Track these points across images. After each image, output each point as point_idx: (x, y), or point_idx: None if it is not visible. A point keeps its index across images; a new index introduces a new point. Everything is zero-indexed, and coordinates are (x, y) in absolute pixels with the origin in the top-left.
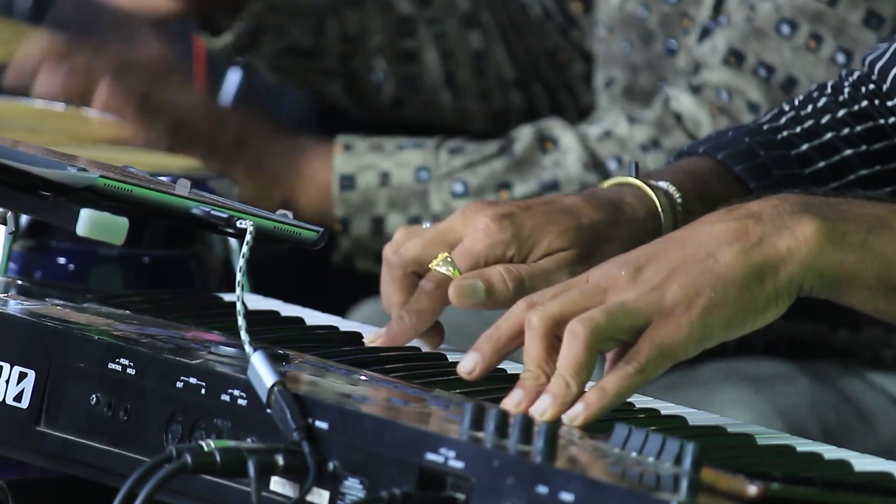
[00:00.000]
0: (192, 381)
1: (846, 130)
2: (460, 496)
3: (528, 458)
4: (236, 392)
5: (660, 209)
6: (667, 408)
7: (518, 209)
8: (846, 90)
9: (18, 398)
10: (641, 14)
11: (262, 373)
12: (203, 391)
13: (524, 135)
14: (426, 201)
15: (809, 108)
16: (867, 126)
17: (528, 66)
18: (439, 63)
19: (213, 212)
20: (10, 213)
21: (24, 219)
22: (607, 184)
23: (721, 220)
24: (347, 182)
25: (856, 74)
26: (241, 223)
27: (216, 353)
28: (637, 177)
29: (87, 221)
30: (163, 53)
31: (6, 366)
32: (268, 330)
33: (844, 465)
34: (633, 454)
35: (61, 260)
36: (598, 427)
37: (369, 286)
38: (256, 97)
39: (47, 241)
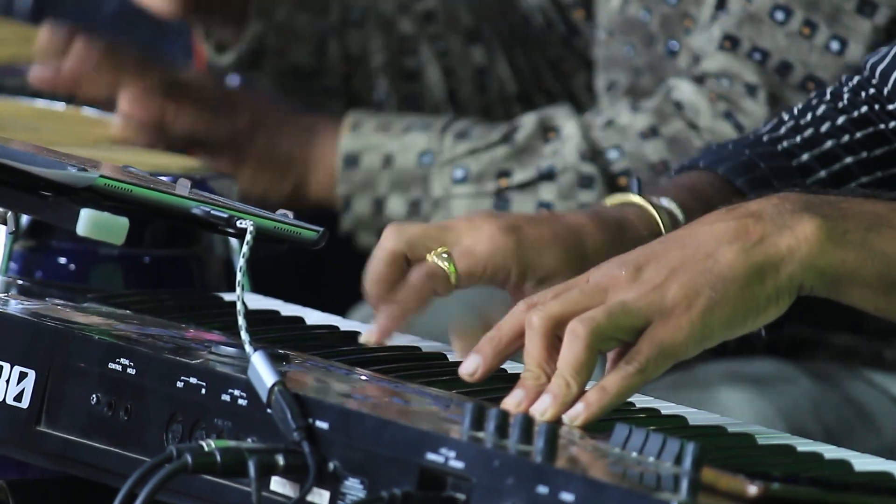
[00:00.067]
0: (193, 380)
1: (846, 137)
2: (461, 496)
3: (528, 458)
4: (237, 392)
5: (663, 229)
6: (667, 408)
7: (524, 222)
8: (845, 96)
9: (19, 398)
10: (643, 17)
11: (263, 373)
12: (203, 391)
13: (527, 122)
14: (427, 185)
15: (809, 116)
16: (867, 132)
17: (532, 78)
18: (441, 81)
19: (213, 211)
20: (10, 213)
21: (24, 219)
22: (610, 201)
23: (721, 219)
24: (351, 161)
25: (855, 79)
26: (241, 223)
27: (216, 353)
28: (640, 193)
29: (88, 221)
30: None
31: (6, 365)
32: (268, 330)
33: (845, 464)
34: (634, 454)
35: (62, 260)
36: (598, 427)
37: None
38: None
39: (48, 241)
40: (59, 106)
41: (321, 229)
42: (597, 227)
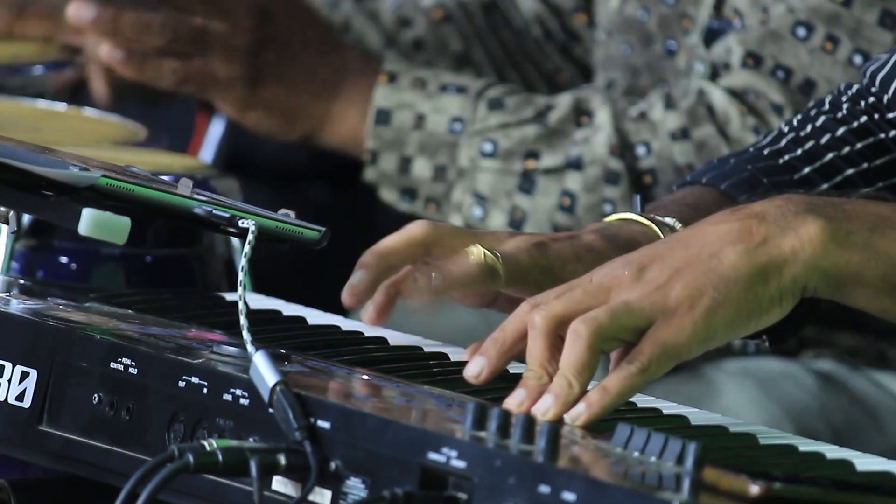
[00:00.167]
0: (195, 380)
1: (847, 149)
2: (462, 496)
3: (530, 457)
4: (238, 391)
5: None
6: (669, 407)
7: (548, 240)
8: (844, 106)
9: (21, 397)
10: (641, 16)
11: (264, 372)
12: (205, 390)
13: (563, 103)
14: (455, 153)
15: (809, 127)
16: (868, 142)
17: None
18: None
19: (215, 211)
20: (12, 213)
21: (26, 218)
22: (613, 218)
23: (725, 220)
24: (383, 117)
25: (854, 88)
26: (243, 223)
27: (218, 353)
28: (642, 211)
29: (90, 221)
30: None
31: (8, 365)
32: (270, 329)
33: (846, 464)
34: (636, 454)
35: (63, 259)
36: (600, 427)
37: None
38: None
39: (50, 241)
40: (61, 106)
41: (323, 229)
42: (611, 247)
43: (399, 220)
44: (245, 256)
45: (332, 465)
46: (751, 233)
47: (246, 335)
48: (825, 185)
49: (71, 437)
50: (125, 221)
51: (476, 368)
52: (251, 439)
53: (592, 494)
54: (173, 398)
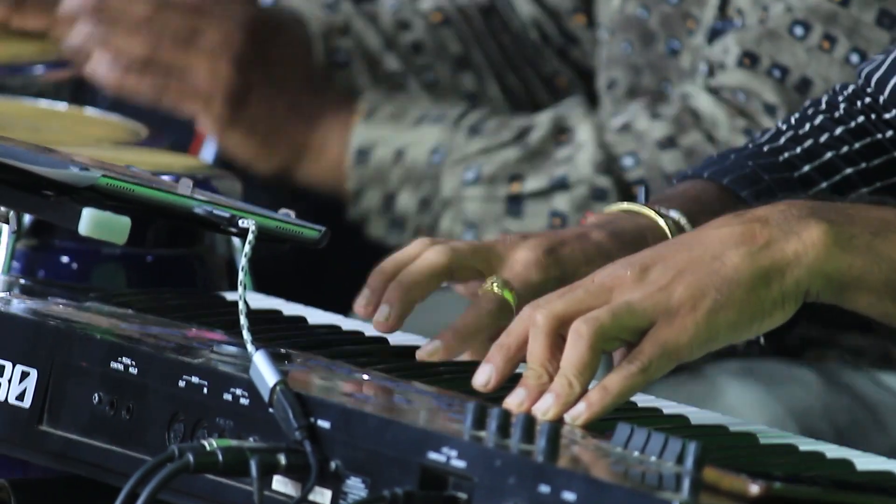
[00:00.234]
0: (195, 380)
1: (845, 148)
2: (462, 495)
3: (530, 457)
4: (238, 391)
5: None
6: (669, 407)
7: (558, 244)
8: (841, 106)
9: (21, 397)
10: (641, 15)
11: (264, 372)
12: (205, 390)
13: (541, 123)
14: (437, 184)
15: (807, 126)
16: (865, 142)
17: (523, 98)
18: None
19: (215, 211)
20: (12, 213)
21: (26, 218)
22: (616, 208)
23: (728, 223)
24: (362, 156)
25: (850, 88)
26: (243, 222)
27: (218, 353)
28: (647, 203)
29: (90, 221)
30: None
31: (8, 365)
32: (270, 329)
33: (847, 464)
34: (636, 453)
35: (64, 259)
36: (600, 426)
37: None
38: None
39: (50, 241)
40: (62, 106)
41: (323, 229)
42: (619, 245)
43: None
44: (245, 256)
45: (333, 464)
46: (754, 236)
47: (246, 335)
48: (825, 184)
49: (71, 436)
50: (125, 221)
51: (484, 377)
52: (251, 439)
53: (592, 494)
54: (173, 398)
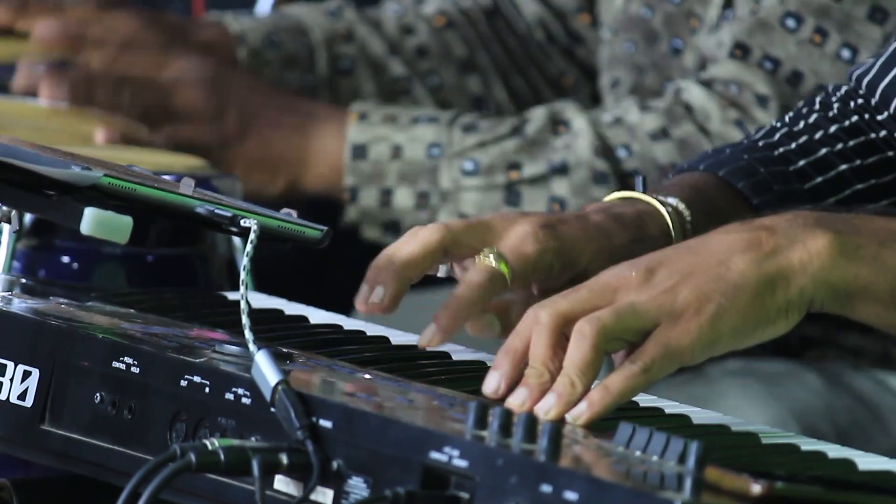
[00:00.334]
0: (196, 379)
1: (839, 146)
2: (464, 495)
3: (531, 456)
4: (240, 391)
5: (671, 227)
6: (671, 406)
7: (556, 221)
8: (835, 105)
9: (22, 397)
10: (644, 14)
11: (266, 371)
12: (207, 390)
13: (537, 116)
14: (436, 177)
15: (801, 124)
16: (859, 141)
17: (530, 99)
18: None
19: (216, 210)
20: (14, 212)
21: (28, 217)
22: (615, 197)
23: (734, 230)
24: (359, 152)
25: (843, 89)
26: (244, 222)
27: (220, 352)
28: (644, 191)
29: (91, 220)
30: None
31: (10, 364)
32: (272, 328)
33: (848, 463)
34: (637, 453)
35: (65, 258)
36: (601, 426)
37: None
38: None
39: (51, 240)
40: (63, 105)
41: (325, 228)
42: (619, 227)
43: None
44: (247, 256)
45: (334, 464)
46: (760, 243)
47: (248, 334)
48: (819, 179)
49: (73, 436)
50: (127, 221)
51: (493, 384)
52: (253, 438)
53: (594, 494)
54: (175, 397)
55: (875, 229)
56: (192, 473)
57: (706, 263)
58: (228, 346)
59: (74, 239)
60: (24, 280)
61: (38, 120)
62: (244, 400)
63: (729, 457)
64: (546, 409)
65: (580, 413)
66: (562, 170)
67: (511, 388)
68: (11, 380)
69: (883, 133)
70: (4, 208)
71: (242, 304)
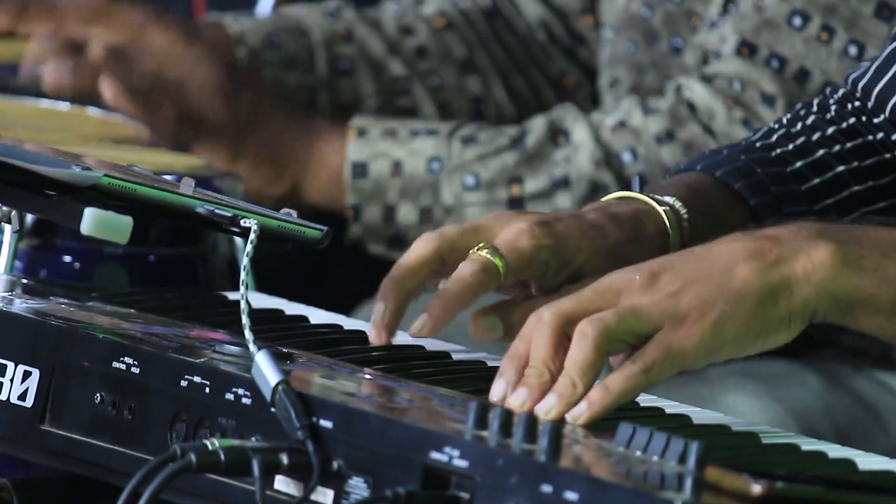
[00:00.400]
0: (197, 379)
1: (837, 147)
2: (464, 495)
3: (532, 456)
4: (240, 391)
5: (668, 226)
6: (671, 406)
7: (552, 219)
8: (832, 108)
9: (23, 397)
10: (644, 13)
11: (267, 371)
12: (207, 390)
13: (536, 126)
14: (438, 192)
15: (799, 125)
16: (857, 143)
17: (530, 99)
18: (437, 117)
19: (217, 210)
20: (14, 212)
21: (29, 217)
22: (612, 196)
23: (738, 239)
24: (360, 170)
25: (840, 92)
26: (245, 222)
27: (220, 352)
28: (641, 191)
29: (92, 220)
30: (166, 38)
31: (11, 364)
32: (272, 329)
33: (849, 463)
34: (638, 453)
35: (66, 258)
36: (602, 426)
37: (374, 285)
38: None
39: (52, 240)
40: (63, 105)
41: (325, 228)
42: (615, 225)
43: None
44: (247, 256)
45: (335, 464)
46: (764, 252)
47: (248, 334)
48: (817, 180)
49: (73, 436)
50: (127, 221)
51: (500, 391)
52: (253, 439)
53: (594, 494)
54: (175, 397)
55: (877, 240)
56: (193, 473)
57: (710, 270)
58: (229, 346)
59: (75, 239)
60: (24, 280)
61: (38, 120)
62: (244, 400)
63: (729, 457)
64: (547, 409)
65: (580, 413)
66: (563, 184)
67: None
68: (12, 380)
69: (880, 135)
70: (5, 208)
71: (243, 304)
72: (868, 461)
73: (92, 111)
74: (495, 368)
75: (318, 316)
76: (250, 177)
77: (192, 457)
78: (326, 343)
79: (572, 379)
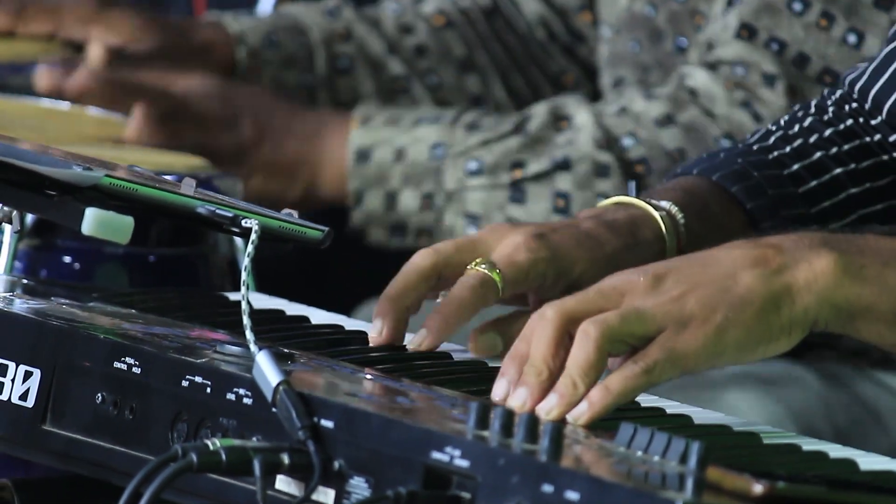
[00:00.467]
0: (198, 379)
1: (834, 149)
2: (466, 495)
3: (533, 456)
4: (242, 391)
5: (664, 231)
6: (672, 406)
7: (547, 230)
8: (830, 109)
9: (24, 397)
10: (649, 13)
11: (268, 372)
12: (208, 390)
13: (539, 112)
14: (440, 178)
15: (796, 127)
16: (854, 144)
17: (530, 97)
18: None
19: (218, 211)
20: (15, 212)
21: (29, 217)
22: (608, 202)
23: (741, 246)
24: (362, 156)
25: (838, 93)
26: (246, 222)
27: (221, 352)
28: (638, 196)
29: (93, 220)
30: (163, 41)
31: (12, 364)
32: (273, 329)
33: (850, 463)
34: (639, 453)
35: (67, 258)
36: (603, 426)
37: (375, 285)
38: None
39: (53, 240)
40: (64, 105)
41: (326, 229)
42: (611, 233)
43: None
44: (248, 256)
45: (336, 464)
46: (767, 260)
47: (249, 335)
48: (814, 183)
49: (74, 436)
50: (128, 221)
51: (502, 391)
52: (254, 439)
53: (596, 494)
54: (176, 397)
55: (879, 249)
56: (194, 473)
57: (714, 275)
58: (230, 346)
59: (76, 239)
60: (25, 280)
61: (39, 119)
62: (245, 400)
63: (730, 457)
64: (548, 409)
65: (581, 413)
66: (564, 165)
67: None
68: (13, 380)
69: (878, 137)
70: (6, 208)
71: (244, 305)
72: (869, 461)
73: (92, 111)
74: (496, 368)
75: (318, 316)
76: (264, 189)
77: (194, 457)
78: (327, 343)
79: (573, 379)
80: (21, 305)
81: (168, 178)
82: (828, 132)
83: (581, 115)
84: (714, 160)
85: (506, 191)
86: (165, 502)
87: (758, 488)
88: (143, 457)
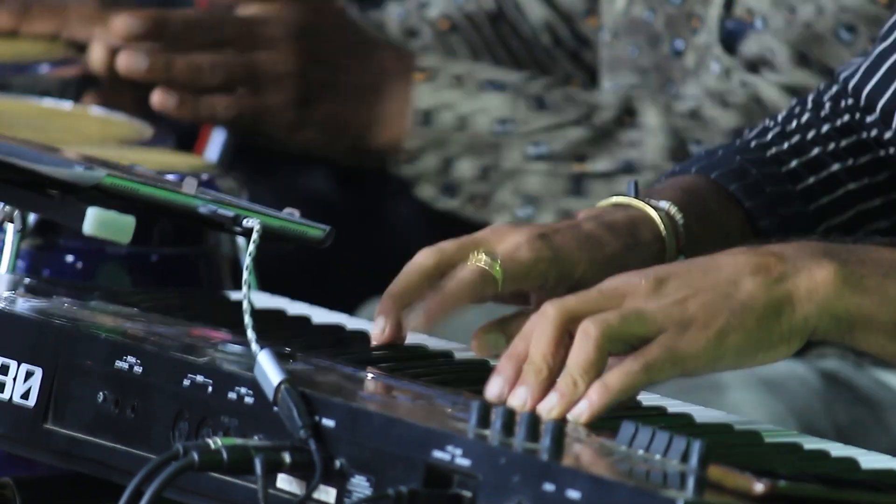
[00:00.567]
0: (199, 378)
1: (832, 145)
2: (467, 493)
3: (534, 455)
4: (243, 390)
5: (663, 232)
6: (674, 405)
7: (549, 231)
8: (826, 105)
9: (26, 396)
10: (647, 17)
11: (269, 371)
12: (210, 389)
13: (607, 104)
14: (499, 154)
15: (794, 123)
16: (851, 140)
17: None
18: None
19: (219, 210)
20: (17, 212)
21: (31, 217)
22: (607, 203)
23: (743, 253)
24: (425, 118)
25: (834, 89)
26: (247, 222)
27: (223, 352)
28: (637, 196)
29: (94, 220)
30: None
31: (13, 363)
32: (274, 328)
33: (851, 462)
34: (640, 452)
35: (69, 258)
36: (604, 425)
37: (377, 284)
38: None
39: (55, 240)
40: (66, 104)
41: (327, 228)
42: (611, 235)
43: (404, 218)
44: (250, 255)
45: (337, 463)
46: (769, 268)
47: (250, 334)
48: (812, 179)
49: (76, 435)
50: (130, 220)
51: (497, 389)
52: (256, 437)
53: (597, 492)
54: (178, 396)
55: (880, 260)
56: (195, 472)
57: (716, 281)
58: (231, 345)
59: (78, 239)
60: (27, 280)
61: (41, 119)
62: (247, 399)
63: (732, 455)
64: (548, 408)
65: (581, 412)
66: (630, 169)
67: None
68: (14, 379)
69: (874, 132)
70: (8, 208)
71: (245, 304)
72: (870, 460)
73: (95, 110)
74: None
75: (320, 315)
76: (312, 142)
77: (195, 455)
78: (329, 342)
79: (574, 378)
80: (23, 305)
81: (169, 177)
82: (825, 128)
83: (650, 114)
84: (712, 158)
85: (565, 181)
86: (167, 501)
87: (759, 487)
88: (144, 455)
